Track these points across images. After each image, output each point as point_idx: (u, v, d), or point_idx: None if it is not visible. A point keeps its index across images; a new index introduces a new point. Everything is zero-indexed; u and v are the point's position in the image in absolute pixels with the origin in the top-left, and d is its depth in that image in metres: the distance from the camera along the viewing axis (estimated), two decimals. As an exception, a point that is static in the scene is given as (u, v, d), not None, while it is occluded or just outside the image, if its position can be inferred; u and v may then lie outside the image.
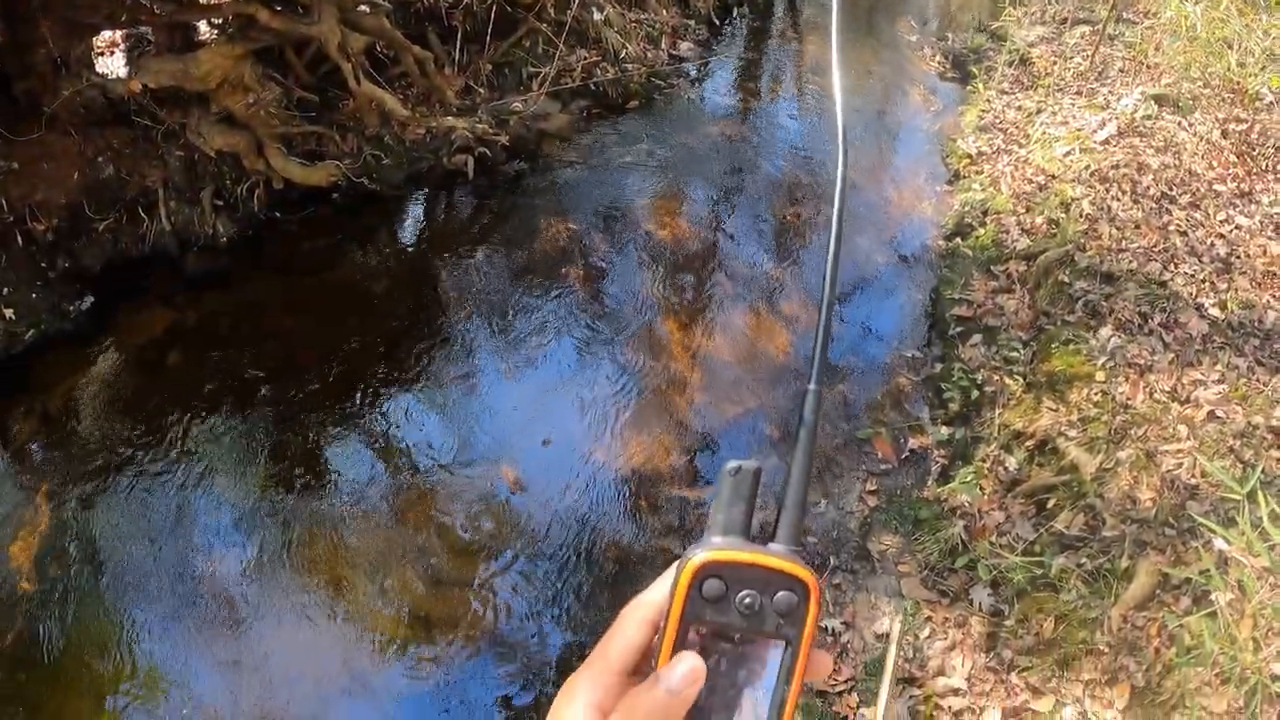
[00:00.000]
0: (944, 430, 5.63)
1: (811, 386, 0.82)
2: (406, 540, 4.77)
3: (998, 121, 9.05)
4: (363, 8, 6.76)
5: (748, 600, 0.72)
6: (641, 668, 0.75)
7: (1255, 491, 3.73)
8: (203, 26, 6.63)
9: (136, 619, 4.41)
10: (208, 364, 5.63)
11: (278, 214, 6.66)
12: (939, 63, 11.01)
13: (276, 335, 5.86)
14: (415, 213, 7.31)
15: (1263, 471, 4.25)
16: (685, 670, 0.72)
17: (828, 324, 0.83)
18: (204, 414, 5.32)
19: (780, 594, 0.72)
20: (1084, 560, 4.42)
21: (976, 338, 6.23)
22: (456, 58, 7.90)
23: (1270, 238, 6.42)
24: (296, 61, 6.69)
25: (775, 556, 0.73)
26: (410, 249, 6.98)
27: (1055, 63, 10.02)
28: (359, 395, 5.52)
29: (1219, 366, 5.21)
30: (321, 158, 6.78)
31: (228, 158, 6.33)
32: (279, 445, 5.22)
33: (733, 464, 0.78)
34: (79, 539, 4.69)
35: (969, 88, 10.04)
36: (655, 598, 0.76)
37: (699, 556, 0.73)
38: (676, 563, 0.74)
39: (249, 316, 5.99)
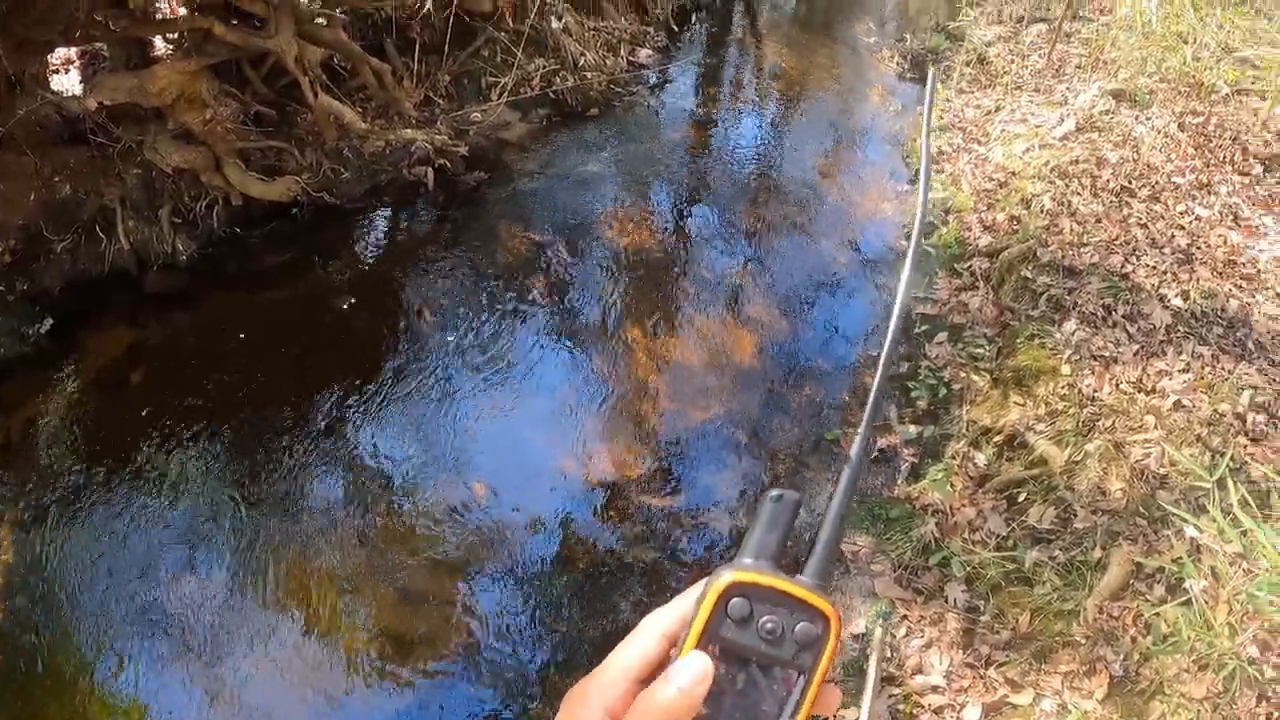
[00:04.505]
0: (912, 429, 5.64)
1: (861, 432, 0.84)
2: (377, 558, 4.73)
3: (957, 121, 9.11)
4: (319, 20, 6.72)
5: (770, 625, 0.73)
6: (654, 679, 0.74)
7: (1224, 478, 3.75)
8: (158, 42, 6.55)
9: (107, 648, 4.34)
10: (170, 384, 5.57)
11: (237, 230, 6.60)
12: (897, 64, 11.08)
13: (239, 353, 5.80)
14: (376, 226, 7.26)
15: (1231, 458, 4.29)
16: (696, 670, 0.72)
17: (884, 377, 0.88)
18: (168, 435, 5.25)
19: (802, 624, 0.73)
20: (1057, 553, 4.44)
21: (942, 336, 6.26)
22: (415, 69, 7.86)
23: (1230, 227, 6.48)
24: (253, 75, 6.65)
25: (803, 587, 0.75)
26: (372, 262, 6.92)
27: (1013, 61, 10.11)
28: (324, 412, 5.47)
29: (1184, 356, 5.24)
30: (280, 172, 6.73)
31: (185, 174, 6.27)
32: (245, 465, 5.16)
33: (775, 491, 0.80)
34: (45, 568, 4.61)
35: (934, 90, 10.08)
36: (675, 611, 0.77)
37: (730, 575, 0.74)
38: (705, 579, 0.75)
39: (211, 335, 5.93)
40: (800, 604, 0.74)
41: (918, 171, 8.52)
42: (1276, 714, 3.55)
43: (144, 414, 5.35)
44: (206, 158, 6.23)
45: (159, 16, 6.39)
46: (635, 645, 0.76)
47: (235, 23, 6.09)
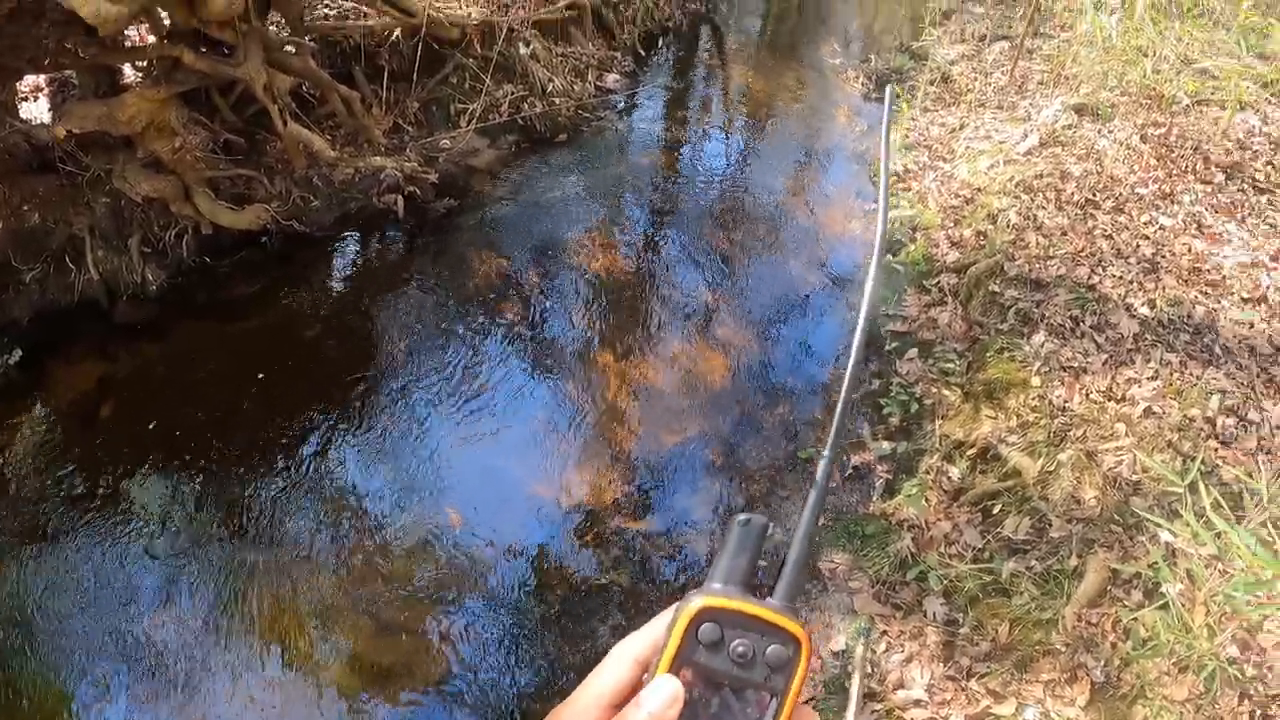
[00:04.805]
0: (885, 445, 5.68)
1: (826, 453, 0.85)
2: (353, 588, 4.69)
3: (922, 139, 9.20)
4: (288, 48, 6.72)
5: (741, 649, 0.74)
6: (626, 705, 0.75)
7: (1196, 483, 3.79)
8: (127, 70, 6.53)
9: (76, 683, 4.29)
10: (142, 415, 5.52)
11: (207, 259, 6.57)
12: (862, 84, 11.19)
13: (210, 383, 5.76)
14: (347, 254, 7.23)
15: (1202, 462, 4.34)
16: (666, 694, 0.73)
17: (848, 399, 0.90)
18: (139, 467, 5.21)
19: (773, 647, 0.74)
20: (1033, 563, 4.47)
21: (912, 352, 6.31)
22: (384, 96, 7.87)
23: (1194, 236, 6.58)
24: (222, 103, 6.62)
25: (772, 610, 0.76)
26: (343, 291, 6.89)
27: (976, 79, 10.23)
28: (297, 442, 5.44)
29: (1152, 364, 5.31)
30: (250, 201, 6.70)
31: (155, 203, 6.23)
32: (218, 496, 5.11)
33: (743, 516, 0.80)
34: (13, 601, 4.56)
35: (893, 107, 10.17)
36: (647, 637, 0.78)
37: (699, 600, 0.76)
38: (676, 604, 0.77)
39: (182, 365, 5.89)
40: (771, 627, 0.75)
41: (884, 191, 8.58)
42: (1260, 712, 3.58)
43: (115, 446, 5.31)
44: (176, 186, 6.19)
45: (128, 44, 6.37)
46: (608, 672, 0.77)
47: (204, 50, 6.06)
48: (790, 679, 0.74)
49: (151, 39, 6.24)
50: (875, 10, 14.98)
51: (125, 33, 6.12)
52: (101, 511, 4.97)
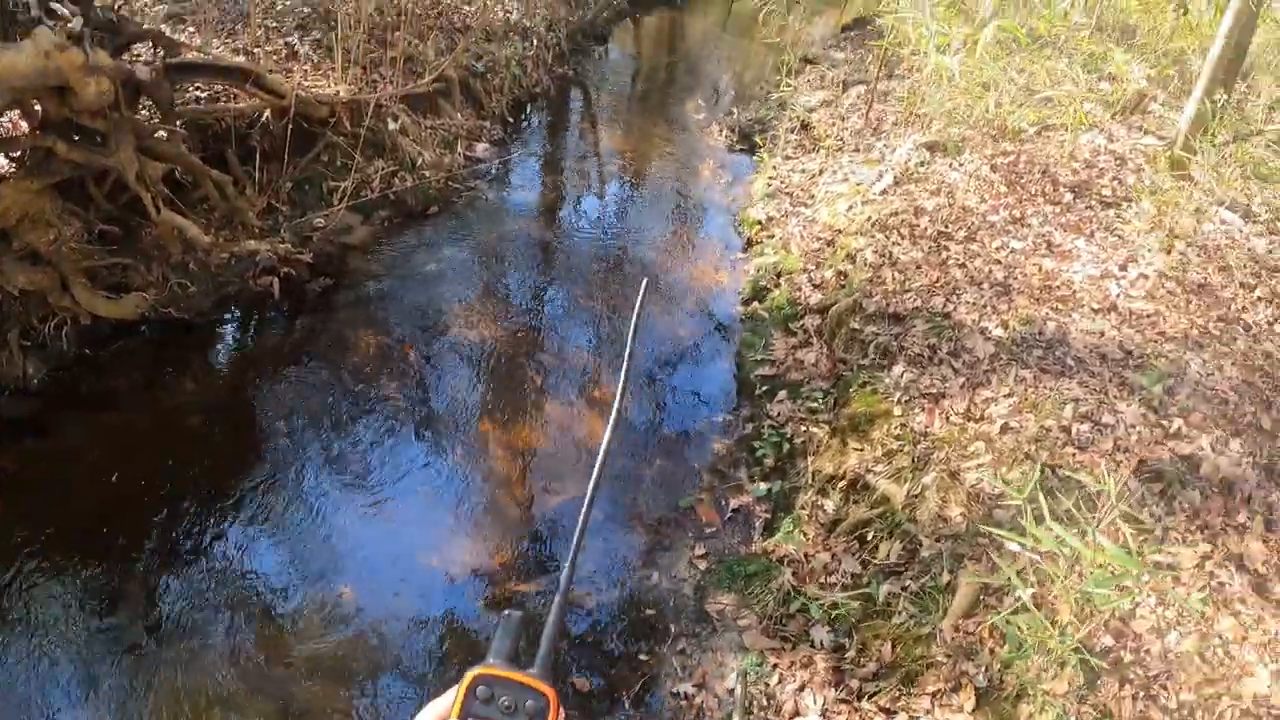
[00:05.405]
0: (762, 486, 5.90)
1: (565, 567, 1.18)
2: (256, 674, 4.64)
3: (784, 186, 9.51)
4: (160, 134, 6.74)
5: (506, 703, 1.01)
6: None
7: (1037, 493, 4.03)
8: (1, 160, 6.50)
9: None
10: (30, 515, 5.41)
11: (87, 350, 6.53)
12: (726, 136, 11.53)
13: (98, 478, 5.66)
14: (226, 339, 7.23)
15: (1054, 470, 4.61)
16: None
17: (587, 518, 1.21)
18: (30, 570, 5.09)
19: (530, 701, 1.02)
20: (908, 583, 4.65)
21: (782, 394, 6.55)
22: (256, 177, 7.90)
23: (1044, 256, 6.92)
24: (97, 192, 6.57)
25: (528, 675, 1.04)
26: (225, 376, 6.87)
27: (835, 124, 10.59)
28: (188, 532, 5.37)
29: (1007, 382, 5.55)
30: (128, 289, 6.67)
31: (33, 296, 6.18)
32: (113, 594, 4.99)
33: (507, 611, 1.13)
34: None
35: (755, 157, 10.53)
36: (446, 700, 1.05)
37: (475, 670, 1.04)
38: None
39: (69, 461, 5.79)
40: (527, 688, 1.02)
41: (749, 240, 8.89)
42: (1142, 693, 3.79)
43: (3, 549, 5.22)
44: (53, 278, 6.13)
45: (1, 135, 6.35)
46: None
47: (77, 140, 6.08)
48: None
49: (24, 127, 6.25)
50: (744, 62, 15.42)
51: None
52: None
